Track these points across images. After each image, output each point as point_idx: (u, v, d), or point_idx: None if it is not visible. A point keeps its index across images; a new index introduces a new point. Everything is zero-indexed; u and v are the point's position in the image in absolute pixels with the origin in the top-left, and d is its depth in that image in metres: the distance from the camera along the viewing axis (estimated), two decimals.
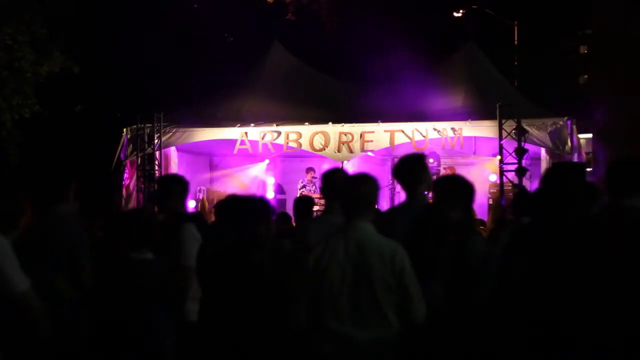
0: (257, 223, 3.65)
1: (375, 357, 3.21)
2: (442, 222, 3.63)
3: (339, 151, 12.43)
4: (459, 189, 3.81)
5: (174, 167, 13.14)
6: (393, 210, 4.52)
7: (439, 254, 3.54)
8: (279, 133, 12.62)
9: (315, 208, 12.20)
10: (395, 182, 13.02)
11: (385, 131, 12.25)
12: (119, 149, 12.96)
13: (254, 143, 12.71)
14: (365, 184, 3.40)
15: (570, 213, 3.32)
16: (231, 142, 12.89)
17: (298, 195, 12.29)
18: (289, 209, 10.17)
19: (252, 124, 12.64)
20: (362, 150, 12.44)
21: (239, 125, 12.66)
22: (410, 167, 4.10)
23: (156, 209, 5.09)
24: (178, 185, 4.71)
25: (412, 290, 3.23)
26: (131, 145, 12.86)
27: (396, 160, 4.47)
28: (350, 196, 3.37)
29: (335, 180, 4.19)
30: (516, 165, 11.13)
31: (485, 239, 3.72)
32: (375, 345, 3.20)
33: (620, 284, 3.17)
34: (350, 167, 11.87)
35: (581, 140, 13.06)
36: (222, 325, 3.53)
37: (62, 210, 4.27)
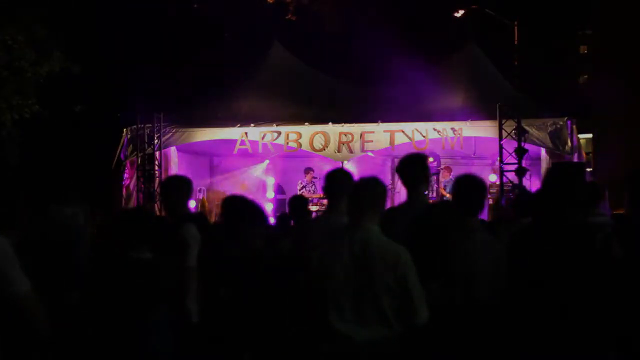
0: (255, 225, 3.65)
1: (376, 357, 3.21)
2: (443, 222, 3.63)
3: (339, 151, 12.44)
4: (478, 190, 3.77)
5: (174, 167, 13.14)
6: (394, 209, 4.51)
7: (439, 254, 3.53)
8: (279, 133, 12.62)
9: (315, 208, 12.31)
10: (395, 182, 13.07)
11: (385, 131, 12.25)
12: (119, 149, 12.97)
13: (254, 143, 12.72)
14: (373, 186, 3.43)
15: (571, 213, 3.32)
16: (231, 142, 12.89)
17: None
18: None
19: (252, 124, 12.64)
20: (362, 150, 12.45)
21: (239, 125, 12.67)
22: (413, 167, 4.11)
23: (157, 209, 5.10)
24: (180, 186, 4.72)
25: (415, 294, 3.23)
26: (131, 145, 12.87)
27: (396, 160, 4.48)
28: (358, 197, 3.38)
29: (338, 180, 4.19)
30: (516, 165, 11.13)
31: (492, 240, 3.69)
32: (375, 346, 3.20)
33: (620, 286, 3.17)
34: (351, 167, 11.87)
35: (581, 140, 13.06)
36: (223, 326, 3.53)
37: (62, 210, 4.27)
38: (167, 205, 4.75)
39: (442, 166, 13.07)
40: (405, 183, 4.14)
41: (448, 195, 12.18)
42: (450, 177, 12.84)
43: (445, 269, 3.52)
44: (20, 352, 3.26)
